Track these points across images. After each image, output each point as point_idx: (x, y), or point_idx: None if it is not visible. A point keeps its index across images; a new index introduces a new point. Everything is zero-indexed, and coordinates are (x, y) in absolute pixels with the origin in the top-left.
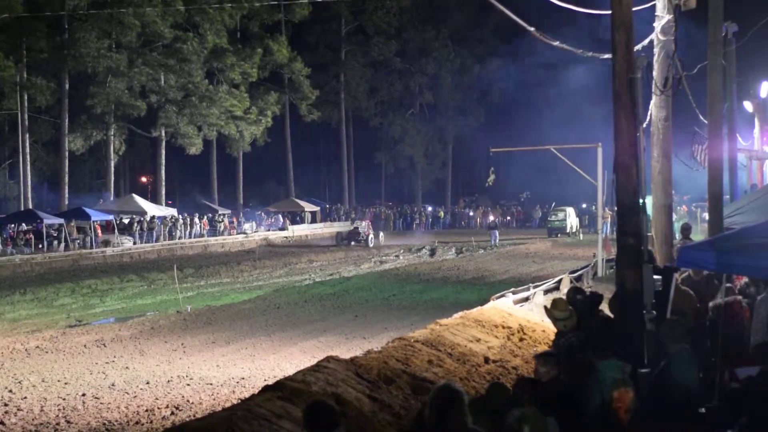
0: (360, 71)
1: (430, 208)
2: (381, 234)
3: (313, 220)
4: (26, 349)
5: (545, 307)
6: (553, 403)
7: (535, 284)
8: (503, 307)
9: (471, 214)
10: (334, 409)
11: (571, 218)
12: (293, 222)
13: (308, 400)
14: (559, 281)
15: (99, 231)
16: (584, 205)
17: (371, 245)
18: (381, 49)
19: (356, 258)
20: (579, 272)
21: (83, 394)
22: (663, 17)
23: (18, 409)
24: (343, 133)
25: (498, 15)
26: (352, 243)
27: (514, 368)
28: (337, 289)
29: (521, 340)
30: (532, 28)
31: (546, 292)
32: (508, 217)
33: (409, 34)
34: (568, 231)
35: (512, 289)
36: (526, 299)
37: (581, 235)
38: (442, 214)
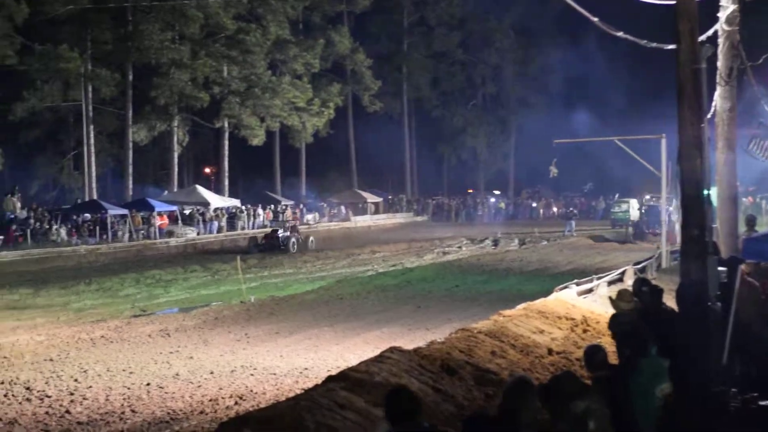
0: (422, 62)
1: (492, 199)
2: (311, 239)
3: (376, 211)
4: (91, 339)
5: (610, 298)
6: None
7: (599, 276)
8: (567, 299)
9: (534, 205)
10: (416, 396)
11: (634, 210)
12: (356, 213)
13: (371, 390)
14: (623, 273)
15: (162, 221)
16: (647, 197)
17: (293, 250)
18: (443, 40)
19: (419, 249)
20: (643, 263)
21: (148, 384)
22: (728, 7)
23: (84, 398)
24: (405, 124)
25: (560, 4)
26: (283, 247)
27: (578, 359)
28: (400, 280)
29: (585, 331)
30: (595, 18)
31: (609, 283)
32: (571, 209)
33: (471, 24)
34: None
35: (575, 281)
36: (590, 291)
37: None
38: (503, 205)
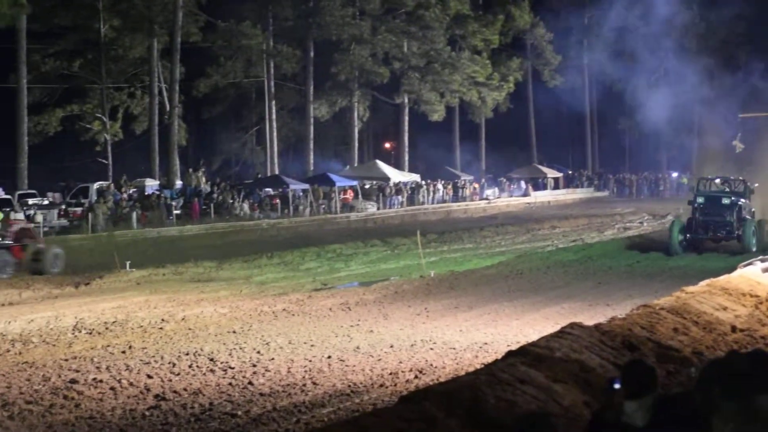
0: (603, 36)
1: (675, 174)
2: (56, 252)
3: (556, 186)
4: (273, 312)
5: None
6: None
7: None
8: (751, 275)
9: (717, 181)
10: (654, 371)
11: None
12: (535, 188)
13: (552, 365)
14: None
15: (346, 196)
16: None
17: (4, 276)
18: (624, 14)
19: (599, 224)
20: None
21: (329, 357)
22: None
23: (266, 370)
24: (585, 98)
25: None
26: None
27: (762, 337)
28: (580, 256)
29: None
30: None
31: None
32: (756, 184)
33: None
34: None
35: (761, 257)
36: None
37: None
38: (686, 180)
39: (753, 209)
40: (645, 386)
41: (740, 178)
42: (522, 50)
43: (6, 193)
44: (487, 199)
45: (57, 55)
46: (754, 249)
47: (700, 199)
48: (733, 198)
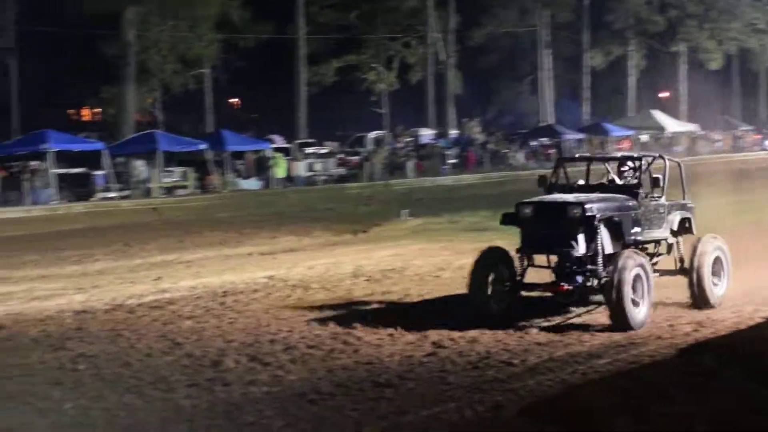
0: None
1: None
2: None
3: None
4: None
5: None
6: None
7: None
8: None
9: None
10: None
11: None
12: None
13: None
14: None
15: (619, 146)
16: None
17: None
18: None
19: None
20: None
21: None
22: None
23: (546, 321)
24: None
25: None
26: None
27: None
28: None
29: None
30: None
31: None
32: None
33: None
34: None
35: None
36: None
37: None
38: None
39: (687, 214)
40: None
41: (646, 154)
42: None
43: (286, 142)
44: (767, 149)
45: (334, 7)
46: (635, 324)
47: (527, 210)
48: (590, 205)
